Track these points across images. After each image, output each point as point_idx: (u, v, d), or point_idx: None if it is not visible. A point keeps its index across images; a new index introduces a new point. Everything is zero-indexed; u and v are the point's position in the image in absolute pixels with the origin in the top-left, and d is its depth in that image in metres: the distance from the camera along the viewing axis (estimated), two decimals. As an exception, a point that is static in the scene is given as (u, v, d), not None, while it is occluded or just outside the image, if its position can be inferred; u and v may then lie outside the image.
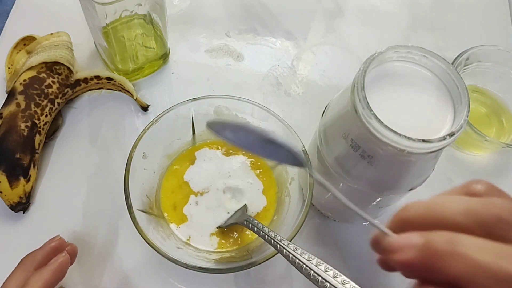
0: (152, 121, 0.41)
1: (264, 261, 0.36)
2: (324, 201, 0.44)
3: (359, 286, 0.26)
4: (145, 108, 0.50)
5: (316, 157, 0.40)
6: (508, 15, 0.62)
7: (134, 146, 0.39)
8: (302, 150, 0.40)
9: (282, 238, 0.33)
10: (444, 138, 0.30)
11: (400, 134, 0.30)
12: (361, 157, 0.34)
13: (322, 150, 0.38)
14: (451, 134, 0.30)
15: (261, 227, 0.36)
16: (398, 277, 0.21)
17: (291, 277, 0.43)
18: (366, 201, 0.39)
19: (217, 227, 0.41)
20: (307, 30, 0.58)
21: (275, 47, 0.56)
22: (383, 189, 0.36)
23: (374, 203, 0.39)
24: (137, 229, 0.36)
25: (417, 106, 0.33)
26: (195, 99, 0.42)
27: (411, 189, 0.37)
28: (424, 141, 0.30)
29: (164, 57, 0.52)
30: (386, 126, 0.30)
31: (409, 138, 0.29)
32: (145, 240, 0.35)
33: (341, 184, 0.38)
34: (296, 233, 0.37)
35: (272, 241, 0.33)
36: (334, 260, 0.44)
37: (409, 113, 0.33)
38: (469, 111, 0.31)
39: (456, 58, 0.48)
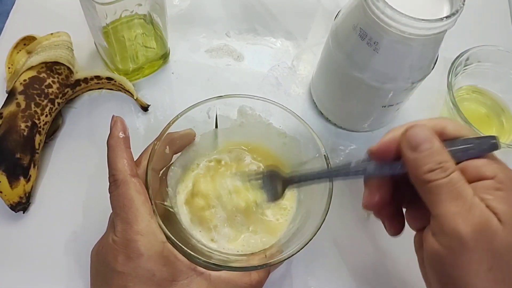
0: (178, 115, 0.40)
1: (278, 263, 0.35)
2: (331, 106, 0.50)
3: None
4: (145, 108, 0.50)
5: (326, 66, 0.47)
6: (508, 15, 0.62)
7: (158, 139, 0.38)
8: (324, 155, 0.39)
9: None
10: (441, 19, 0.35)
11: (402, 13, 0.35)
12: (368, 45, 0.39)
13: (334, 51, 0.43)
14: (447, 17, 0.35)
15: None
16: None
17: (291, 277, 0.43)
18: (374, 99, 0.44)
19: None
20: (307, 30, 0.58)
21: (275, 47, 0.56)
22: (386, 78, 0.41)
23: (380, 101, 0.44)
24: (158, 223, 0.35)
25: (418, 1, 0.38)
26: (220, 97, 0.41)
27: (412, 84, 0.42)
28: (423, 20, 0.35)
29: (164, 57, 0.52)
30: (390, 7, 0.35)
31: (410, 17, 0.35)
32: (164, 233, 0.34)
33: (350, 86, 0.44)
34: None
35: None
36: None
37: (411, 4, 0.37)
38: (464, 2, 0.36)
39: (456, 58, 0.48)
